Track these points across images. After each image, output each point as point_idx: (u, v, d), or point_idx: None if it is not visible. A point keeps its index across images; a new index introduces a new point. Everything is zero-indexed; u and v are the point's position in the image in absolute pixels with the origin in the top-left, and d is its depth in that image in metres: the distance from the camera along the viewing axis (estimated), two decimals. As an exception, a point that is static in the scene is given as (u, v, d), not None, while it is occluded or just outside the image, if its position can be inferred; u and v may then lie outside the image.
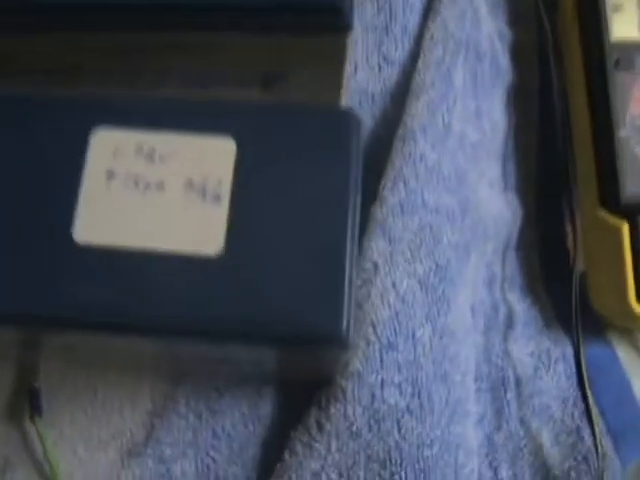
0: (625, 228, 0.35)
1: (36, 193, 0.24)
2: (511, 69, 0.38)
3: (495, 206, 0.36)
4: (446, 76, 0.35)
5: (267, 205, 0.24)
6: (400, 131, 0.33)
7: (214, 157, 0.24)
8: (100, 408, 0.32)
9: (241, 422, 0.32)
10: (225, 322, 0.23)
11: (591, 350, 0.36)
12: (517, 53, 0.39)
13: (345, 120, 0.24)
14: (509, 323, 0.36)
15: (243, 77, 0.31)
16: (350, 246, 0.23)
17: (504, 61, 0.38)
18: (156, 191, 0.24)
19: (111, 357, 0.32)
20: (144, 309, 0.23)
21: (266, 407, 0.33)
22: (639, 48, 0.36)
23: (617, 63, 0.36)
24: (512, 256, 0.38)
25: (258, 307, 0.23)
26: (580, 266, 0.36)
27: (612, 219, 0.35)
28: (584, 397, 0.34)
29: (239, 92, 0.32)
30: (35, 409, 0.33)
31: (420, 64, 0.35)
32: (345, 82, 0.30)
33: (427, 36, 0.36)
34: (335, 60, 0.29)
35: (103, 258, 0.23)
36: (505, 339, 0.36)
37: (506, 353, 0.36)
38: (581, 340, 0.35)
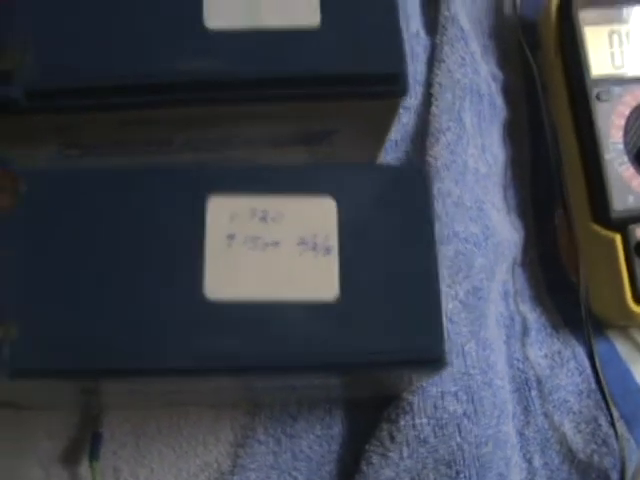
0: (618, 239, 0.42)
1: (165, 258, 0.28)
2: (504, 106, 0.45)
3: (504, 229, 0.43)
4: (458, 119, 0.41)
5: (369, 251, 0.29)
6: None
7: (319, 215, 0.29)
8: (186, 443, 0.36)
9: (316, 443, 0.37)
10: (346, 356, 0.28)
11: (594, 347, 0.43)
12: (508, 91, 0.45)
13: (420, 177, 0.30)
14: (524, 331, 0.43)
15: (292, 136, 0.36)
16: (439, 279, 0.29)
17: (499, 100, 0.45)
18: (273, 249, 0.28)
19: (194, 398, 0.36)
20: (275, 352, 0.28)
21: (337, 427, 0.38)
22: (614, 81, 0.43)
23: (598, 96, 0.43)
24: (519, 272, 0.44)
25: (374, 339, 0.28)
26: (584, 275, 0.43)
27: (605, 232, 0.42)
28: (600, 388, 0.40)
29: (288, 149, 0.37)
30: (93, 454, 0.36)
31: (434, 109, 0.41)
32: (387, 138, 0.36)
33: (436, 83, 0.42)
34: (384, 120, 0.34)
35: (233, 311, 0.28)
36: (523, 345, 0.42)
37: (525, 357, 0.42)
38: (592, 340, 0.41)
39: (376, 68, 0.32)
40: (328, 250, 0.29)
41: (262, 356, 0.28)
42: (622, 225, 0.42)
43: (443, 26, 0.44)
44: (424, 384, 0.36)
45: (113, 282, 0.28)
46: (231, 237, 0.29)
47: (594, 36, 0.44)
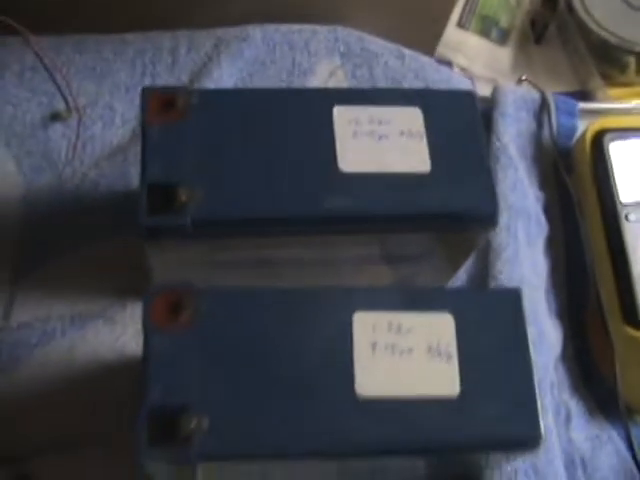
0: (647, 339, 0.53)
1: (323, 362, 0.38)
2: (546, 223, 0.56)
3: (552, 330, 0.53)
4: (515, 237, 0.52)
5: (480, 357, 0.39)
6: (492, 285, 0.50)
7: (441, 327, 0.39)
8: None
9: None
10: (465, 441, 0.38)
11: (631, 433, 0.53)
12: (547, 209, 0.57)
13: (517, 298, 0.41)
14: (568, 417, 0.53)
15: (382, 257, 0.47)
16: (534, 378, 0.39)
17: (542, 218, 0.56)
18: (408, 355, 0.38)
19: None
20: (410, 439, 0.38)
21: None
22: (640, 205, 0.55)
23: (627, 217, 0.54)
24: (560, 366, 0.55)
25: (487, 427, 0.38)
26: (619, 371, 0.53)
27: (636, 333, 0.53)
28: (638, 468, 0.51)
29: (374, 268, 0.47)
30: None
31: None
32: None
33: (494, 205, 0.53)
34: (469, 248, 0.45)
35: (379, 405, 0.38)
36: (567, 430, 0.53)
37: (570, 441, 0.52)
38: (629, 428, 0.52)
39: (475, 209, 0.43)
40: (450, 356, 0.39)
41: (400, 442, 0.38)
42: (650, 327, 0.53)
43: (495, 155, 0.55)
44: (501, 462, 0.46)
45: (281, 384, 0.37)
46: (374, 345, 0.38)
47: (623, 166, 0.55)
